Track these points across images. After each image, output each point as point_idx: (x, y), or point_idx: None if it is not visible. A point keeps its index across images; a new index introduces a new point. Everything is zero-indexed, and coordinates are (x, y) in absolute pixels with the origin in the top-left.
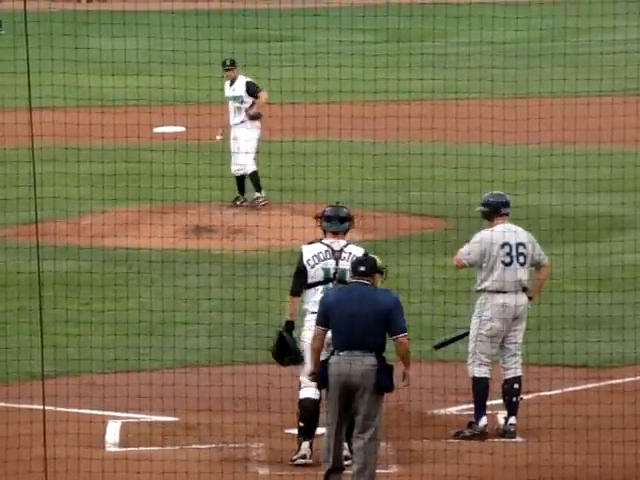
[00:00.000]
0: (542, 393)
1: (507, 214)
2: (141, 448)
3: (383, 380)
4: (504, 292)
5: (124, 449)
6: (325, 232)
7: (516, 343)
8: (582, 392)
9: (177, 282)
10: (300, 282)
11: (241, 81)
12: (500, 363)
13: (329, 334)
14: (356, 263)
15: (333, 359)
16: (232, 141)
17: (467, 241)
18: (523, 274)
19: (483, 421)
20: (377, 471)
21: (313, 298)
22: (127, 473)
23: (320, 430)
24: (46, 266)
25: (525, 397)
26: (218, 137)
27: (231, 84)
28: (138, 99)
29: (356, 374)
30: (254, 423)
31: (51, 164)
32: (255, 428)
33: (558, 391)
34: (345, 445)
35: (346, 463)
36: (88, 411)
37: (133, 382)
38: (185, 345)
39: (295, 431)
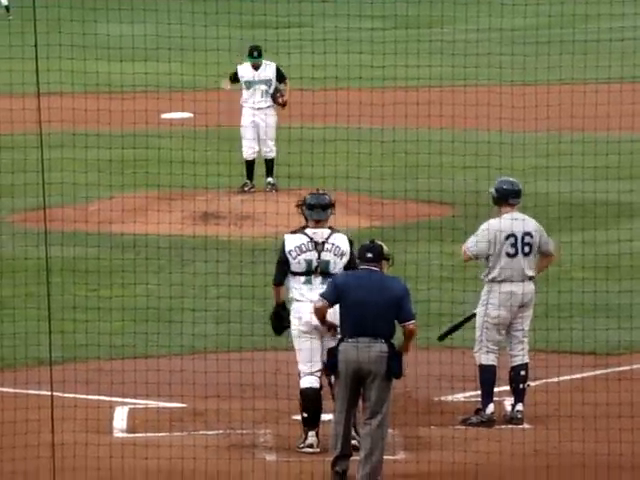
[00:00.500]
0: (550, 380)
1: (516, 204)
2: (149, 434)
3: (393, 367)
4: (511, 281)
5: (132, 435)
6: (307, 220)
7: (523, 330)
8: (590, 379)
9: (185, 269)
10: (283, 271)
11: (270, 65)
12: (507, 350)
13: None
14: (364, 249)
15: (342, 346)
16: (251, 125)
17: (474, 233)
18: (528, 264)
19: (490, 408)
20: (384, 457)
21: (297, 286)
22: (135, 459)
23: (325, 417)
24: (54, 252)
25: (533, 384)
26: (227, 87)
27: (256, 69)
28: (146, 85)
29: (366, 361)
30: (261, 410)
31: (59, 150)
32: (262, 414)
33: (566, 378)
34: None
35: (354, 443)
36: (96, 397)
37: (141, 368)
38: (193, 332)
39: (300, 418)
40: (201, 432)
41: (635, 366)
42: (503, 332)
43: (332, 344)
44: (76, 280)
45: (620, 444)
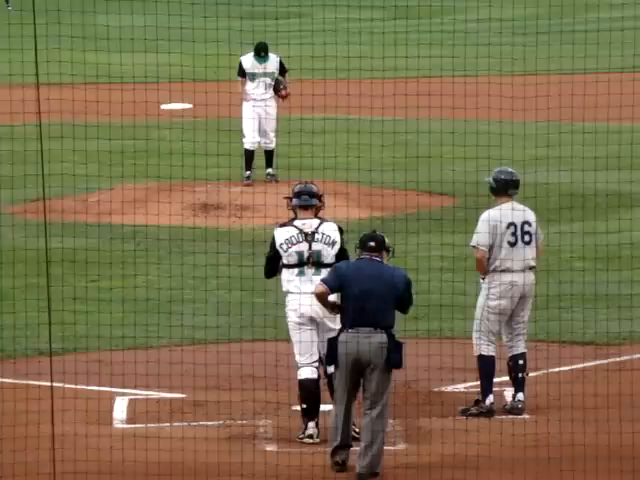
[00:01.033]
0: (550, 371)
1: (514, 195)
2: (149, 425)
3: (393, 357)
4: (512, 271)
5: (132, 425)
6: (296, 212)
7: (524, 322)
8: (590, 370)
9: (185, 260)
10: (274, 267)
11: (273, 57)
12: (504, 341)
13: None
14: (366, 238)
15: (342, 337)
16: (254, 116)
17: (476, 228)
18: (529, 253)
19: (490, 399)
20: (384, 448)
21: (290, 278)
22: (135, 450)
23: (324, 407)
24: (54, 243)
25: (533, 375)
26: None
27: (260, 62)
28: (145, 76)
29: (366, 351)
30: (262, 400)
31: (59, 141)
32: (263, 405)
33: (566, 369)
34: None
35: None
36: (96, 388)
37: (141, 359)
38: (193, 323)
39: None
40: (201, 423)
41: (635, 356)
42: (503, 323)
43: (331, 335)
44: (76, 271)
45: (621, 435)
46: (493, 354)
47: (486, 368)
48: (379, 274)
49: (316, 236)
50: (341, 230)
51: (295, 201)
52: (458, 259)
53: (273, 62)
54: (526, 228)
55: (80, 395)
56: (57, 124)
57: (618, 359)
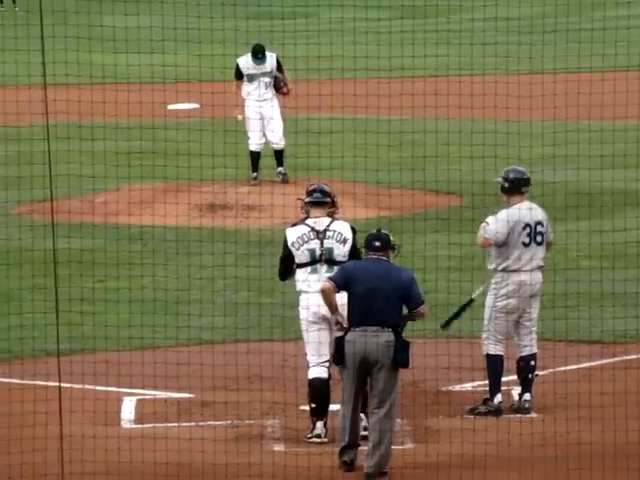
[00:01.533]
0: (557, 369)
1: (526, 192)
2: (157, 425)
3: (400, 356)
4: (522, 271)
5: (139, 426)
6: (308, 212)
7: (532, 320)
8: (597, 368)
9: (192, 260)
10: (288, 268)
11: (271, 56)
12: (515, 340)
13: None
14: (372, 238)
15: (349, 336)
16: (256, 117)
17: (486, 221)
18: (540, 253)
19: (498, 398)
20: (392, 448)
21: (303, 277)
22: (143, 451)
23: (333, 407)
24: (61, 244)
25: (540, 374)
26: (239, 117)
27: (258, 62)
28: (152, 77)
29: (373, 350)
30: (269, 401)
31: (65, 142)
32: (270, 406)
33: (573, 367)
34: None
35: (363, 433)
36: (104, 388)
37: (148, 360)
38: (200, 323)
39: (309, 408)
40: (209, 423)
41: None
42: (512, 322)
43: (340, 334)
44: (83, 272)
45: (627, 432)
46: (501, 353)
47: (494, 367)
48: (386, 274)
49: (327, 233)
50: (354, 230)
51: (308, 198)
52: (465, 258)
53: (270, 61)
54: (539, 228)
55: (88, 396)
56: (64, 125)
57: (625, 358)
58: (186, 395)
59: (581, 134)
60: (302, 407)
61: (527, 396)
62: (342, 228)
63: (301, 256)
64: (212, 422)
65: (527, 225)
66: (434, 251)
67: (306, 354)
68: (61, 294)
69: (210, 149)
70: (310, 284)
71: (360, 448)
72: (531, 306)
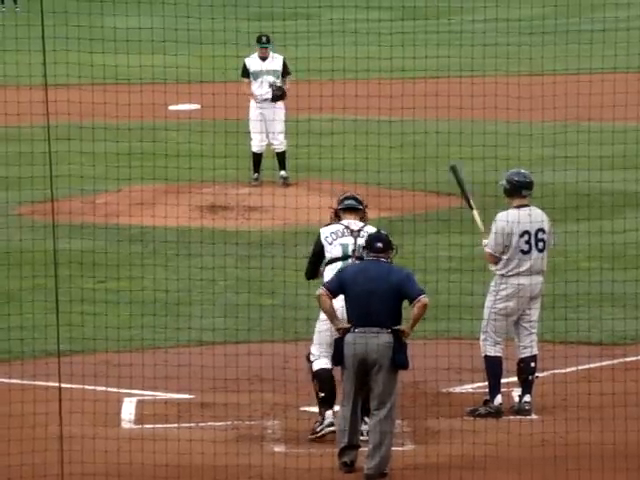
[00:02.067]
0: (557, 371)
1: (528, 196)
2: (157, 426)
3: (399, 357)
4: (522, 275)
5: (139, 427)
6: (340, 218)
7: (532, 322)
8: (596, 370)
9: (192, 261)
10: (316, 266)
11: (277, 57)
12: (516, 341)
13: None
14: (373, 239)
15: (349, 337)
16: (258, 118)
17: (493, 231)
18: (541, 260)
19: (498, 399)
20: (392, 449)
21: (332, 274)
22: (143, 452)
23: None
24: (61, 245)
25: (540, 375)
26: (277, 82)
27: (264, 60)
28: (153, 78)
29: (373, 351)
30: (269, 402)
31: (66, 143)
32: (271, 407)
33: (573, 369)
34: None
35: (363, 438)
36: (104, 389)
37: (148, 361)
38: (201, 325)
39: (311, 409)
40: (209, 424)
41: None
42: (511, 323)
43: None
44: (84, 273)
45: (626, 433)
46: (500, 355)
47: (493, 369)
48: (385, 275)
49: (361, 233)
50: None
51: (342, 205)
52: (466, 260)
53: (278, 61)
54: (540, 235)
55: (88, 397)
56: (65, 125)
57: (624, 359)
58: (186, 396)
59: (581, 135)
60: (303, 408)
61: (527, 398)
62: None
63: (333, 250)
64: (212, 423)
65: (526, 232)
66: (435, 252)
67: (309, 352)
68: (61, 295)
69: (211, 150)
70: None
71: (360, 449)
72: (531, 308)
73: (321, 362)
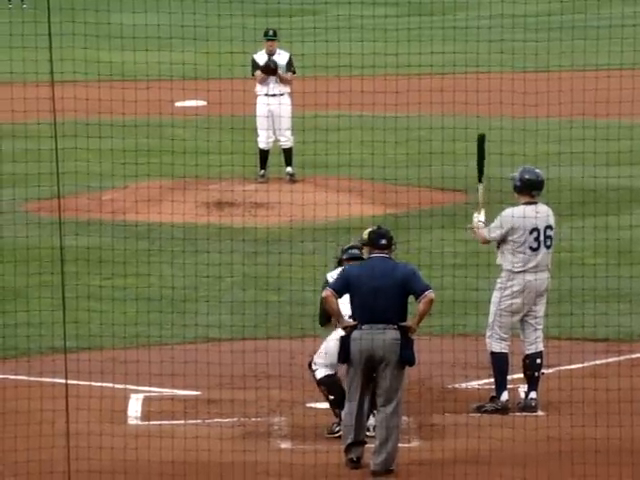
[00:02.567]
0: (562, 367)
1: (537, 196)
2: (163, 423)
3: (406, 354)
4: (529, 272)
5: (146, 423)
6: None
7: (538, 318)
8: (602, 366)
9: (199, 258)
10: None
11: (284, 53)
12: (522, 338)
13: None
14: (377, 236)
15: (355, 334)
16: (266, 114)
17: (497, 220)
18: (548, 256)
19: (505, 396)
20: (399, 445)
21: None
22: (149, 449)
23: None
24: (68, 241)
25: (546, 371)
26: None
27: (270, 55)
28: (159, 74)
29: (380, 347)
30: (276, 399)
31: (73, 139)
32: (277, 403)
33: (579, 365)
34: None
35: (369, 434)
36: (110, 385)
37: (155, 358)
38: (207, 321)
39: (317, 405)
40: (216, 421)
41: None
42: (517, 320)
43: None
44: (90, 270)
45: (632, 428)
46: (505, 351)
47: (499, 365)
48: (391, 272)
49: None
50: None
51: (345, 255)
52: (471, 255)
53: (284, 57)
54: (548, 232)
55: (94, 393)
56: (71, 122)
57: (631, 356)
58: (193, 393)
59: (587, 131)
60: (309, 405)
61: (533, 394)
62: None
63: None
64: (219, 420)
65: (535, 229)
66: (440, 248)
67: (312, 360)
68: (68, 292)
69: (217, 147)
70: None
71: (367, 446)
72: (537, 304)
73: (322, 371)
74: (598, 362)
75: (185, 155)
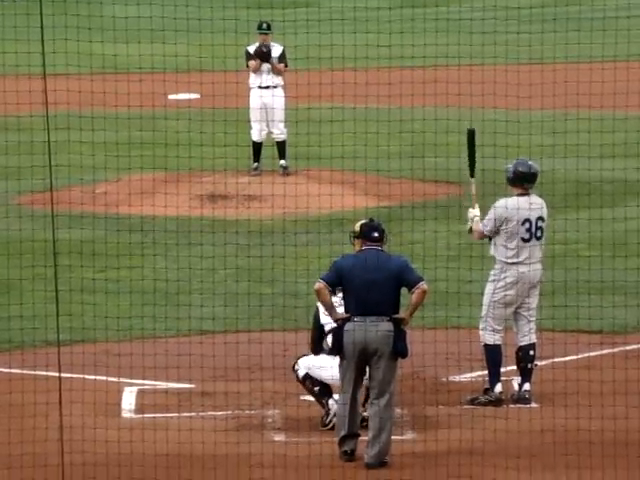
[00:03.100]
0: (557, 359)
1: (530, 188)
2: (157, 415)
3: (399, 345)
4: (522, 264)
5: (140, 416)
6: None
7: (531, 310)
8: (597, 358)
9: (192, 250)
10: (320, 339)
11: (277, 46)
12: (514, 330)
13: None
14: (369, 229)
15: (348, 326)
16: (259, 106)
17: (488, 213)
18: (539, 248)
19: (498, 388)
20: (392, 437)
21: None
22: (143, 442)
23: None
24: (61, 234)
25: (539, 363)
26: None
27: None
28: (152, 67)
29: (373, 339)
30: (270, 391)
31: (65, 132)
32: (271, 396)
33: (573, 357)
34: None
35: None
36: (104, 378)
37: (149, 351)
38: (201, 314)
39: (311, 397)
40: (209, 413)
41: None
42: (511, 312)
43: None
44: (83, 262)
45: (627, 420)
46: (499, 343)
47: (492, 357)
48: (385, 264)
49: None
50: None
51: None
52: (464, 247)
53: (277, 49)
54: (539, 224)
55: (88, 386)
56: (64, 115)
57: (625, 348)
58: (186, 385)
59: (581, 123)
60: (303, 397)
61: (527, 386)
62: None
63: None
64: (213, 412)
65: (527, 220)
66: (433, 240)
67: (296, 362)
68: (61, 284)
69: (211, 139)
70: None
71: (360, 438)
72: (530, 296)
73: (304, 370)
74: (592, 354)
75: (178, 148)
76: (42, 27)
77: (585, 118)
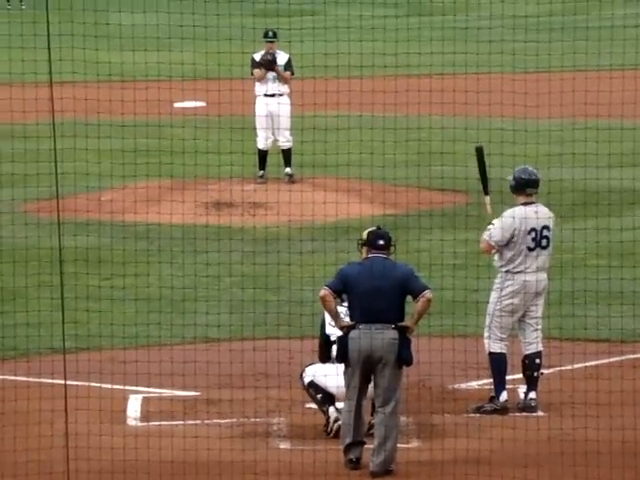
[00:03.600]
0: (564, 368)
1: (533, 194)
2: (162, 423)
3: (404, 353)
4: (526, 272)
5: (145, 424)
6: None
7: (536, 318)
8: (604, 367)
9: (198, 258)
10: (328, 347)
11: (283, 54)
12: (520, 338)
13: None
14: (376, 237)
15: (353, 333)
16: (265, 114)
17: (492, 222)
18: (545, 257)
19: (504, 396)
20: (398, 445)
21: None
22: (148, 449)
23: (338, 405)
24: (67, 242)
25: (547, 372)
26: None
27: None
28: (158, 74)
29: (379, 347)
30: (275, 398)
31: (72, 140)
32: (276, 403)
33: (580, 366)
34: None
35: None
36: (109, 386)
37: (154, 358)
38: (206, 321)
39: (316, 405)
40: (215, 421)
41: None
42: (516, 320)
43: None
44: (89, 270)
45: (635, 431)
46: (504, 351)
47: (497, 365)
48: (390, 272)
49: None
50: None
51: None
52: (471, 256)
53: (283, 57)
54: (545, 233)
55: (93, 394)
56: (70, 123)
57: (633, 356)
58: (192, 393)
59: (588, 132)
60: (308, 405)
61: (533, 394)
62: None
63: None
64: (218, 420)
65: (533, 229)
66: (440, 248)
67: (303, 371)
68: (67, 292)
69: (216, 147)
70: None
71: (365, 446)
72: (536, 304)
73: (309, 378)
74: (600, 362)
75: (184, 155)
76: (49, 35)
77: (593, 127)
